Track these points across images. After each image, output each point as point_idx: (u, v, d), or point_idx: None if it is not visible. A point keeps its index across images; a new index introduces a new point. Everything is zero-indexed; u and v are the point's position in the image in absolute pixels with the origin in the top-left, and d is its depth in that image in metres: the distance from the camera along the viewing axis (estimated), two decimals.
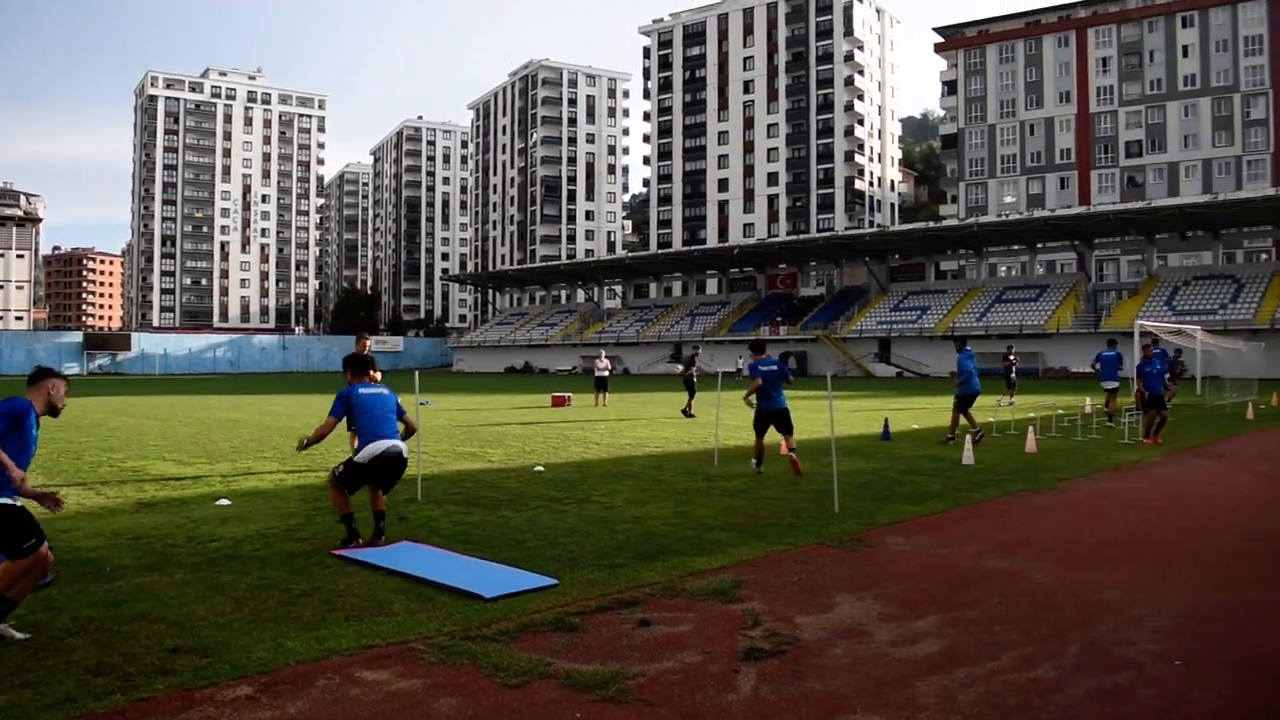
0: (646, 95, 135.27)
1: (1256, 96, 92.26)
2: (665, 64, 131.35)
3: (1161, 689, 4.67)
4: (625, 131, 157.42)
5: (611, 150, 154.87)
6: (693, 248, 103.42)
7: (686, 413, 25.53)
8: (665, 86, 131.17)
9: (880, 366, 75.36)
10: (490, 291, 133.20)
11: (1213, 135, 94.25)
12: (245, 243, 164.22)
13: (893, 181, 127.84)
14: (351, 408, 8.29)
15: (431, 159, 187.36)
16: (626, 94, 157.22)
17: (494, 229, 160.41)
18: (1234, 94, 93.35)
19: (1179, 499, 10.93)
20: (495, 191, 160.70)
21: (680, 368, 28.49)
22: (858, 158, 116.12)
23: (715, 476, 12.55)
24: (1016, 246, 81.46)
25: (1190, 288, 67.74)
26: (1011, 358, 33.22)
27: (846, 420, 23.23)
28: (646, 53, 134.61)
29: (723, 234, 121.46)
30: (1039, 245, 79.71)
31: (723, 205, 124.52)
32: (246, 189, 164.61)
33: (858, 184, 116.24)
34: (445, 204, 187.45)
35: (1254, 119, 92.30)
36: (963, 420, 17.36)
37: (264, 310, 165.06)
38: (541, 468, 13.48)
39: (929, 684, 4.72)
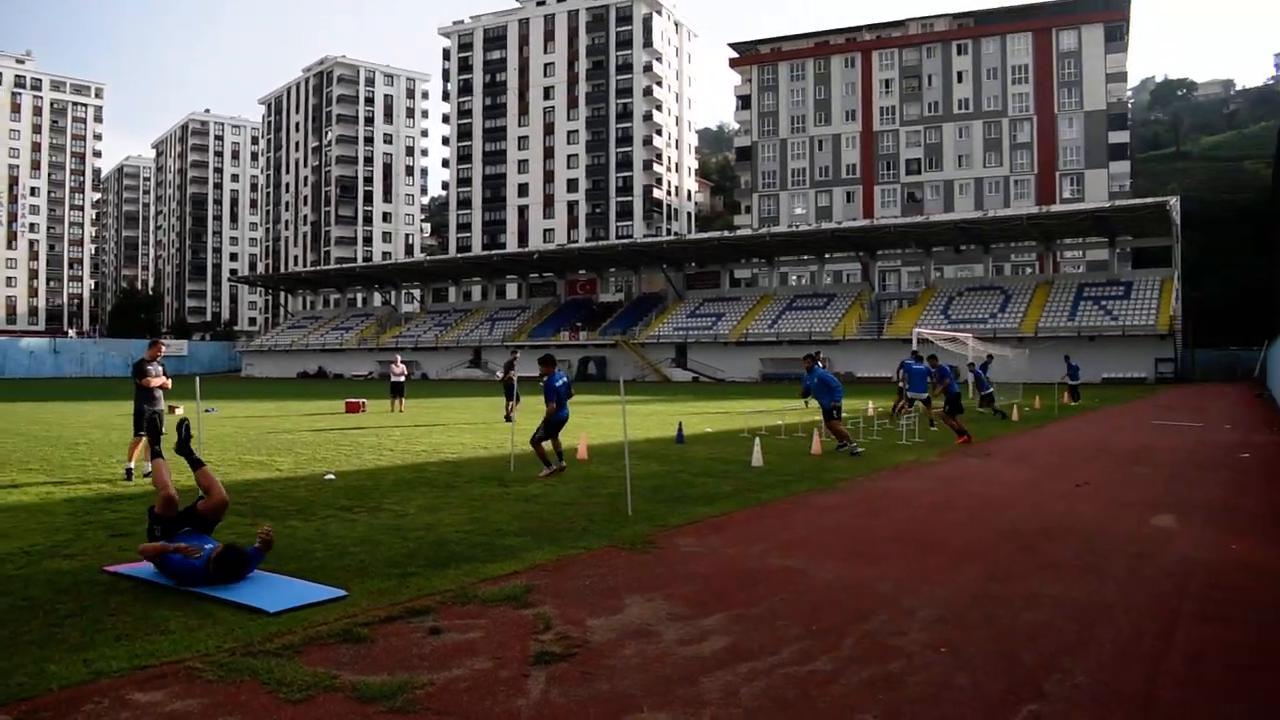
0: (446, 97, 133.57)
1: (1022, 121, 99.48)
2: (466, 66, 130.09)
3: (928, 675, 4.95)
4: (425, 133, 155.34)
5: (410, 151, 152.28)
6: (493, 252, 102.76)
7: (509, 417, 25.05)
8: (466, 89, 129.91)
9: (677, 371, 76.93)
10: (282, 294, 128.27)
11: (984, 156, 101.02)
12: (11, 238, 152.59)
13: (689, 191, 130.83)
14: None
15: (220, 154, 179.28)
16: (426, 95, 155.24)
17: (286, 229, 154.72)
18: (1003, 118, 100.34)
19: (950, 496, 11.62)
20: (288, 190, 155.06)
21: (500, 373, 28.18)
22: (656, 167, 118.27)
23: (511, 482, 12.51)
24: (806, 256, 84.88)
25: (964, 298, 72.28)
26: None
27: (642, 424, 23.58)
28: (446, 54, 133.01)
29: (523, 239, 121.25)
30: (827, 255, 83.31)
31: (523, 210, 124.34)
32: (13, 180, 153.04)
33: (656, 192, 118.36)
34: (234, 202, 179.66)
35: (1020, 142, 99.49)
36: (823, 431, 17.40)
37: (33, 311, 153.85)
38: (332, 476, 13.08)
39: (714, 680, 4.85)
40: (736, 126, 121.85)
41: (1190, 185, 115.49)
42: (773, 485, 12.30)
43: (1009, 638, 5.62)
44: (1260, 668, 5.13)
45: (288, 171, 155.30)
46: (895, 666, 5.08)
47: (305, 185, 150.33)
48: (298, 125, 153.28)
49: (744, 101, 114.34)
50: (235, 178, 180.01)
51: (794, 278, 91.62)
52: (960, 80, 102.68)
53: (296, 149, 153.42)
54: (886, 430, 21.38)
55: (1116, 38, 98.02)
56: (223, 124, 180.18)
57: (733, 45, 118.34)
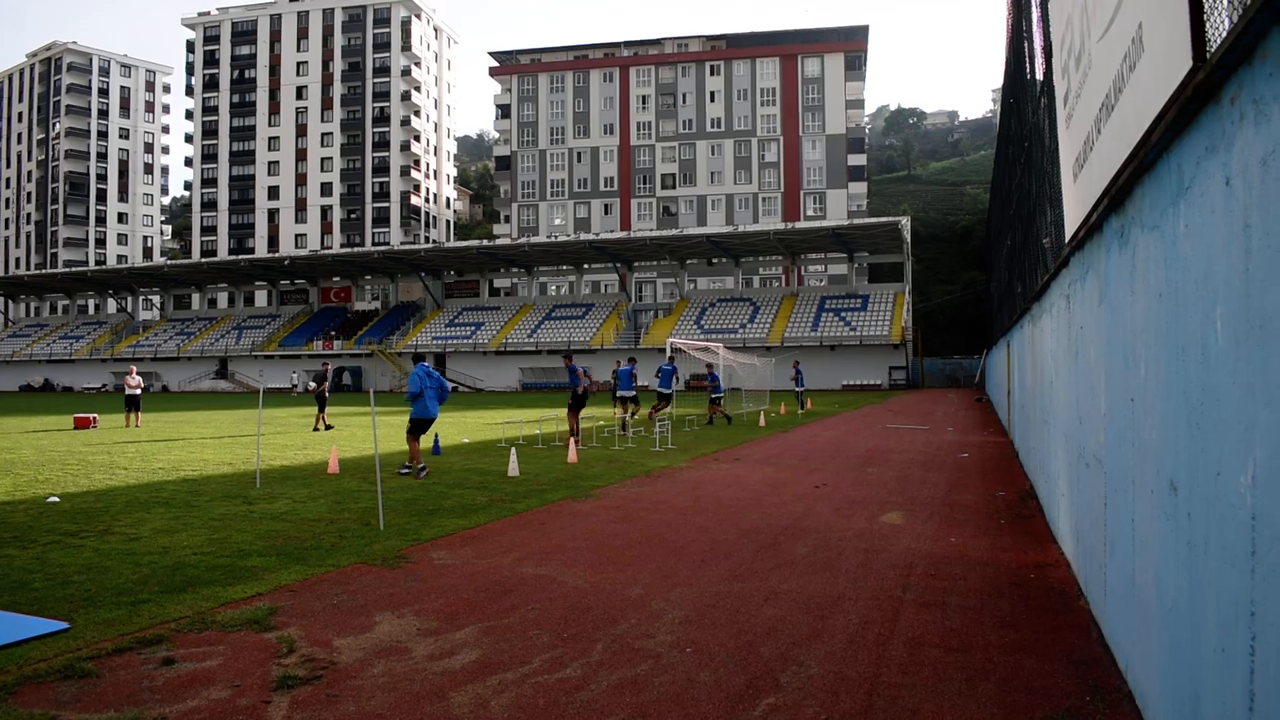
0: (190, 92, 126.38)
1: (770, 142, 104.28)
2: (212, 60, 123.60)
3: (673, 675, 5.11)
4: (166, 129, 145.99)
5: (149, 148, 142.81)
6: (240, 257, 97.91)
7: (326, 426, 26.41)
8: (212, 85, 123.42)
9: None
10: (2, 300, 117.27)
11: (735, 173, 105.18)
12: None
13: (449, 199, 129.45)
14: None
15: None
16: (168, 89, 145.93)
17: (6, 228, 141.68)
18: (752, 138, 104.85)
19: (699, 500, 12.02)
20: (8, 186, 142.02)
21: (313, 384, 28.48)
22: (414, 173, 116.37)
23: (256, 499, 11.97)
24: (565, 267, 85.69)
25: (716, 309, 74.94)
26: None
27: (397, 436, 23.10)
28: (191, 47, 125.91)
29: (273, 244, 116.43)
30: (586, 266, 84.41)
31: (273, 214, 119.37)
32: None
33: (414, 199, 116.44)
34: None
35: (768, 161, 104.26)
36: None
37: None
38: (56, 498, 12.11)
39: (464, 694, 4.83)
40: (496, 135, 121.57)
41: (919, 206, 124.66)
42: (528, 495, 12.34)
43: (749, 633, 5.87)
44: (970, 647, 5.59)
45: (8, 165, 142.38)
46: (643, 668, 5.22)
47: (29, 181, 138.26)
48: (21, 115, 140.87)
49: (504, 111, 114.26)
50: None
51: (553, 288, 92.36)
52: (713, 100, 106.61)
53: (19, 141, 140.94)
54: (641, 437, 21.87)
55: (855, 67, 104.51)
56: None
57: (493, 54, 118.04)
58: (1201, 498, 3.26)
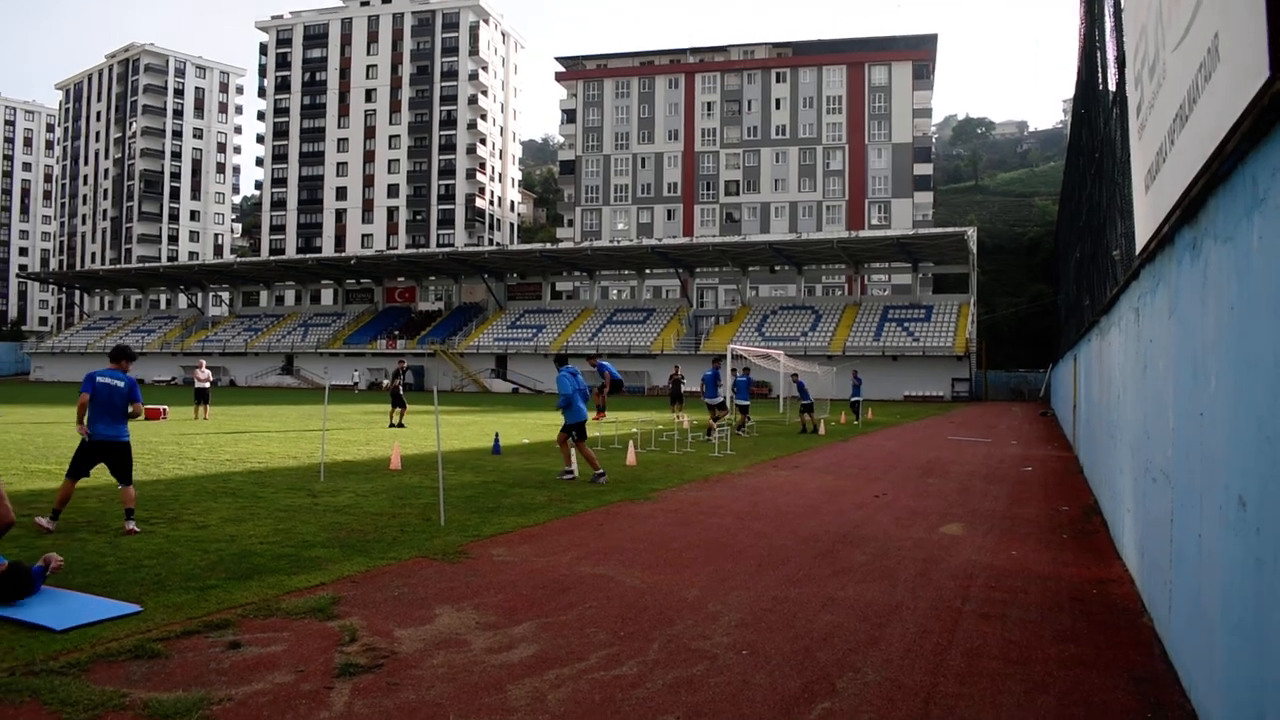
0: (262, 93, 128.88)
1: (835, 150, 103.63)
2: (284, 63, 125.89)
3: (729, 676, 5.13)
4: (238, 129, 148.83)
5: (222, 148, 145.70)
6: (308, 256, 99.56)
7: (397, 424, 26.90)
8: (283, 86, 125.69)
9: (497, 382, 76.52)
10: (78, 293, 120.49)
11: (799, 181, 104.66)
12: None
13: (513, 202, 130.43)
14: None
15: (10, 141, 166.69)
16: (241, 90, 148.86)
17: (84, 224, 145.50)
18: (817, 146, 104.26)
19: (757, 505, 12.00)
20: (86, 183, 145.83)
21: (386, 381, 29.00)
22: (479, 176, 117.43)
23: (320, 492, 12.19)
24: (627, 271, 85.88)
25: (777, 316, 74.61)
26: (679, 375, 34.33)
27: (459, 434, 23.37)
28: (264, 49, 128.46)
29: (340, 243, 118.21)
30: (647, 271, 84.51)
31: (340, 214, 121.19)
32: None
33: (478, 202, 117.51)
34: (25, 193, 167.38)
35: (833, 169, 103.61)
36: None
37: None
38: None
39: (521, 687, 4.89)
40: (561, 140, 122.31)
41: (986, 217, 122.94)
42: (586, 495, 12.41)
43: (806, 639, 5.87)
44: (1030, 661, 5.53)
45: (87, 163, 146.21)
46: (699, 669, 5.24)
47: (106, 178, 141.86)
48: (99, 114, 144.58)
49: (569, 115, 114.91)
50: (27, 166, 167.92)
51: (615, 292, 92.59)
52: (778, 107, 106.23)
53: (97, 139, 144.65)
54: (701, 443, 21.86)
55: (923, 76, 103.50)
56: (15, 109, 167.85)
57: (559, 59, 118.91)
58: (1271, 513, 3.22)
